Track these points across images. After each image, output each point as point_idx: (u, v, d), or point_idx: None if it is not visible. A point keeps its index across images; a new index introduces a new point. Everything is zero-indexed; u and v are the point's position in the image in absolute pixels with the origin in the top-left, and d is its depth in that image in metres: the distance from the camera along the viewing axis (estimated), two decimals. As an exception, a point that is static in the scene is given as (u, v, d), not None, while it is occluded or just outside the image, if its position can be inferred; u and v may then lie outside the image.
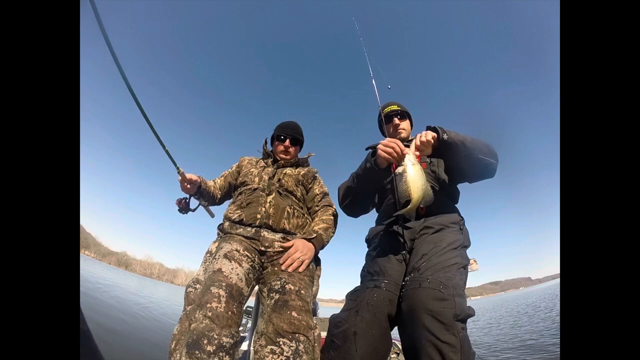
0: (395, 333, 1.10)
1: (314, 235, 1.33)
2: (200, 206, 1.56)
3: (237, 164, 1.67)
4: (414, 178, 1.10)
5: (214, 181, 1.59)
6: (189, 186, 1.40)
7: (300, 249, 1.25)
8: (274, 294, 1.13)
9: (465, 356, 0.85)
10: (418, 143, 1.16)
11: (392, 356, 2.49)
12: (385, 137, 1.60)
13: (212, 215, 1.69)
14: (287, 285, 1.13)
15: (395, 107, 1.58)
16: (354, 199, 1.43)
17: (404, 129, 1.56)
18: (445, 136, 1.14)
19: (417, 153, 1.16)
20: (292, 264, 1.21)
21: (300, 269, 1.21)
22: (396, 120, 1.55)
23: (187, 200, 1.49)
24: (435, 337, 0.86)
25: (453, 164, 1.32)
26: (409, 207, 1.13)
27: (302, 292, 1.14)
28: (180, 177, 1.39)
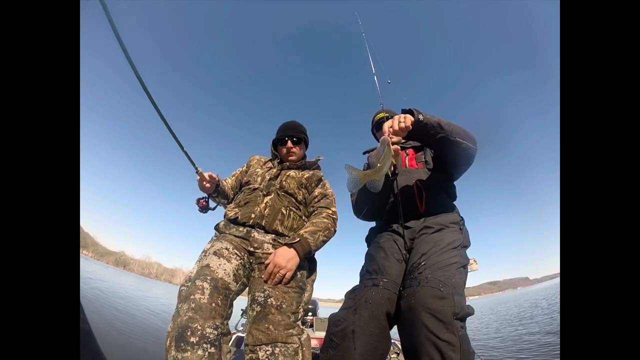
0: (395, 333, 1.10)
1: (297, 239, 1.24)
2: (219, 205, 1.56)
3: (247, 163, 1.68)
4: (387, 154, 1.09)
5: (225, 181, 1.59)
6: (207, 185, 1.41)
7: (278, 263, 1.18)
8: (256, 305, 1.15)
9: (465, 355, 0.85)
10: (396, 127, 1.13)
11: (392, 356, 2.50)
12: (379, 142, 1.68)
13: None
14: (269, 300, 1.15)
15: (383, 115, 1.64)
16: (370, 209, 1.46)
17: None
18: (420, 117, 1.14)
19: (386, 133, 1.15)
20: (274, 279, 1.18)
21: (282, 282, 1.19)
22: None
23: (207, 200, 1.50)
24: (435, 335, 0.86)
25: (429, 147, 1.35)
26: (373, 170, 1.11)
27: (284, 306, 1.15)
28: (198, 177, 1.40)
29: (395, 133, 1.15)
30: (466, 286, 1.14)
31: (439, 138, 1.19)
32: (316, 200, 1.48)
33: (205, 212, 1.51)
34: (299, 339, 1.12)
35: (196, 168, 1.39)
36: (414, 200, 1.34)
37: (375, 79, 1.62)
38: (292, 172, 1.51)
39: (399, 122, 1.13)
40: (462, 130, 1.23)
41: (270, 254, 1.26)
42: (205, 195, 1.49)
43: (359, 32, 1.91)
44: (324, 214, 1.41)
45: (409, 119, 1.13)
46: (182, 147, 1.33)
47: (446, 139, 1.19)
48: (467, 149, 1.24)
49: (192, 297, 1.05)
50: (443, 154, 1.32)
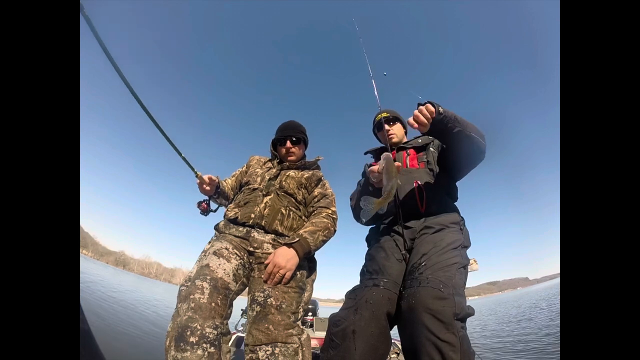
0: (395, 333, 1.10)
1: (297, 239, 1.25)
2: (220, 207, 1.57)
3: (246, 163, 1.68)
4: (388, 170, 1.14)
5: (225, 181, 1.59)
6: (207, 188, 1.42)
7: (278, 263, 1.18)
8: (256, 305, 1.15)
9: (465, 355, 0.85)
10: (419, 115, 1.16)
11: (392, 356, 2.50)
12: (380, 143, 1.71)
13: None
14: (268, 300, 1.15)
15: (384, 115, 1.65)
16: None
17: (394, 134, 1.63)
18: (440, 109, 1.16)
19: (415, 125, 1.19)
20: (273, 279, 1.18)
21: (282, 282, 1.19)
22: (386, 127, 1.61)
23: (208, 202, 1.51)
24: (435, 335, 0.86)
25: (445, 142, 1.35)
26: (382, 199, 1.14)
27: (284, 306, 1.15)
28: (198, 180, 1.41)
29: (419, 122, 1.17)
30: (466, 286, 1.14)
31: (456, 132, 1.19)
32: (316, 200, 1.48)
33: (207, 214, 1.52)
34: (299, 339, 1.12)
35: (195, 172, 1.40)
36: (414, 201, 1.34)
37: (373, 82, 1.63)
38: (291, 172, 1.52)
39: (423, 111, 1.15)
40: (474, 127, 1.24)
41: (269, 253, 1.26)
42: (206, 197, 1.50)
43: (359, 33, 1.92)
44: (323, 214, 1.41)
45: (431, 107, 1.15)
46: (179, 153, 1.35)
47: (463, 133, 1.20)
48: (479, 144, 1.25)
49: (191, 296, 1.05)
50: (456, 149, 1.31)
